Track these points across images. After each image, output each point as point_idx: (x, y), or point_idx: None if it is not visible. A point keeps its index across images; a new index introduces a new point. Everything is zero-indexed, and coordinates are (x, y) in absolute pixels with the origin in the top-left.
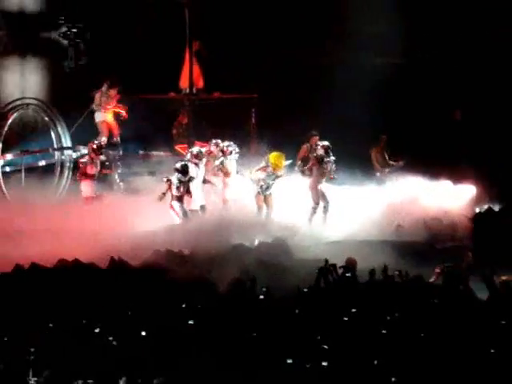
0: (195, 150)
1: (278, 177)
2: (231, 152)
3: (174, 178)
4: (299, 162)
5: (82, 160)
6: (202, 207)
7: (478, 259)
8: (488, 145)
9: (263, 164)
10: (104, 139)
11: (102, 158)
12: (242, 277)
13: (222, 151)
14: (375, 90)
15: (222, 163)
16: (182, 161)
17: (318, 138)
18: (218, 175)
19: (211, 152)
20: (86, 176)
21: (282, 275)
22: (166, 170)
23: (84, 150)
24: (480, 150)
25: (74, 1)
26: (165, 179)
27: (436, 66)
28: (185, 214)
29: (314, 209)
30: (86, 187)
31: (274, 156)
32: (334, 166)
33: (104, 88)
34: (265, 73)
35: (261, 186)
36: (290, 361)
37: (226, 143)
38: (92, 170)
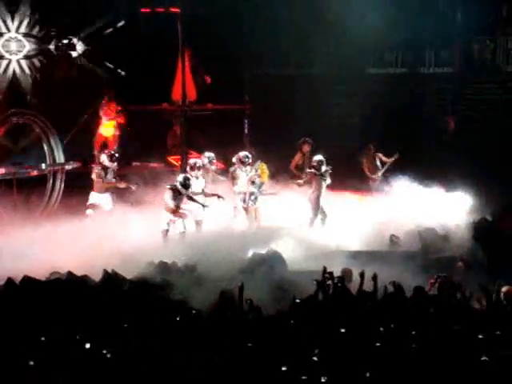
0: (192, 161)
1: (260, 186)
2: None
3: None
4: (293, 171)
5: (96, 171)
6: (198, 222)
7: (473, 269)
8: (482, 153)
9: (253, 172)
10: (95, 151)
11: (115, 167)
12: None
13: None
14: (368, 98)
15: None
16: (183, 173)
17: (309, 144)
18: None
19: (204, 165)
20: (99, 184)
21: (276, 286)
22: (158, 181)
23: (75, 165)
24: (473, 159)
25: (66, 13)
26: (168, 186)
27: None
28: (166, 229)
29: (312, 220)
30: (95, 196)
31: (261, 167)
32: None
33: (104, 101)
34: (256, 82)
35: (251, 198)
36: (284, 368)
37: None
38: (104, 177)
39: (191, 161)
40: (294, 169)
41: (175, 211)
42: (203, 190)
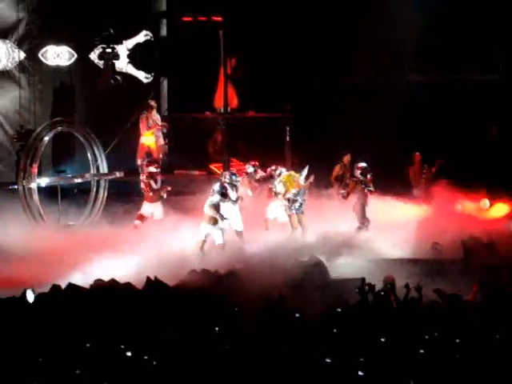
0: (232, 171)
1: (305, 192)
2: (280, 174)
3: (214, 199)
4: (334, 182)
5: (144, 180)
6: (238, 233)
7: None
8: None
9: (281, 186)
10: (139, 161)
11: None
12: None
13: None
14: (409, 107)
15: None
16: (221, 183)
17: (350, 156)
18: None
19: (248, 173)
20: (152, 193)
21: (316, 294)
22: (199, 189)
23: (118, 175)
24: None
25: (109, 22)
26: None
27: (471, 83)
28: (203, 240)
29: (360, 228)
30: (146, 206)
31: (287, 177)
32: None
33: (146, 111)
34: (299, 91)
35: (295, 205)
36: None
37: (273, 167)
38: (154, 185)
39: (231, 170)
40: (334, 180)
41: (215, 221)
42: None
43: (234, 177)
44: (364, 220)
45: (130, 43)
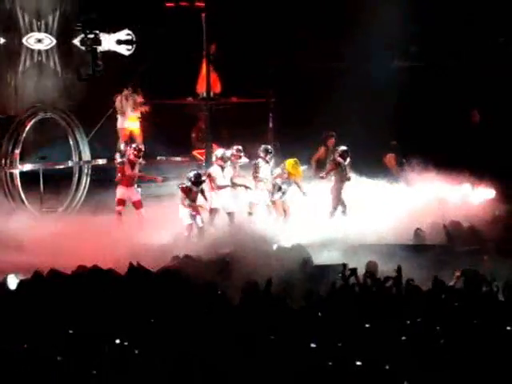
0: (219, 152)
1: (294, 183)
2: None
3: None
4: (314, 164)
5: (119, 160)
6: (230, 214)
7: (499, 263)
8: (508, 147)
9: (279, 171)
10: (122, 145)
11: (141, 161)
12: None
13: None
14: (391, 92)
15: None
16: (195, 169)
17: (334, 139)
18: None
19: (236, 156)
20: (124, 178)
21: (301, 279)
22: (183, 175)
23: (101, 162)
24: (499, 152)
25: (91, 7)
26: (178, 187)
27: (454, 68)
28: (189, 224)
29: (332, 213)
30: (122, 190)
31: (290, 164)
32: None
33: (126, 92)
34: (281, 76)
35: (280, 192)
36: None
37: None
38: (129, 171)
39: (218, 152)
40: (314, 162)
41: (192, 207)
42: (231, 180)
43: (196, 174)
44: (338, 204)
45: (111, 38)
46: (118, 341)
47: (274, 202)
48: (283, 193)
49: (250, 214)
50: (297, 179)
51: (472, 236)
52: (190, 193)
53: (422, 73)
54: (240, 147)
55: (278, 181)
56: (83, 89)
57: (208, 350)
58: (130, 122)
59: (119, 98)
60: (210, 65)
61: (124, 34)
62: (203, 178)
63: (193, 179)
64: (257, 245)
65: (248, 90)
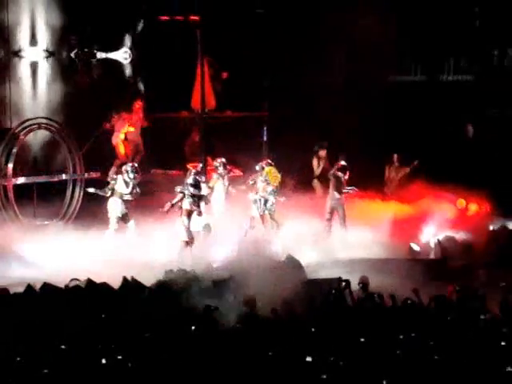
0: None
1: (275, 192)
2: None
3: (187, 192)
4: (317, 181)
5: (113, 177)
6: (207, 226)
7: (492, 277)
8: (500, 162)
9: (261, 184)
10: (117, 162)
11: (137, 177)
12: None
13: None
14: (385, 106)
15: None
16: (194, 175)
17: (324, 149)
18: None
19: (216, 170)
20: (117, 195)
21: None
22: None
23: (94, 175)
24: (493, 166)
25: (86, 21)
26: (178, 189)
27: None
28: (189, 232)
29: (329, 220)
30: (114, 205)
31: (269, 173)
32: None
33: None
34: (275, 89)
35: (265, 204)
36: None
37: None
38: (123, 189)
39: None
40: (317, 179)
41: (190, 214)
42: (206, 197)
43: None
44: (331, 214)
45: (108, 56)
46: (111, 355)
47: (261, 216)
48: (271, 204)
49: (252, 227)
50: (276, 183)
51: (466, 251)
52: (193, 198)
53: (416, 88)
54: (223, 160)
55: (263, 194)
56: (78, 101)
57: (202, 364)
58: (121, 136)
59: (116, 118)
60: (205, 79)
61: (122, 53)
62: (203, 179)
63: (193, 183)
64: (249, 259)
65: (242, 104)
